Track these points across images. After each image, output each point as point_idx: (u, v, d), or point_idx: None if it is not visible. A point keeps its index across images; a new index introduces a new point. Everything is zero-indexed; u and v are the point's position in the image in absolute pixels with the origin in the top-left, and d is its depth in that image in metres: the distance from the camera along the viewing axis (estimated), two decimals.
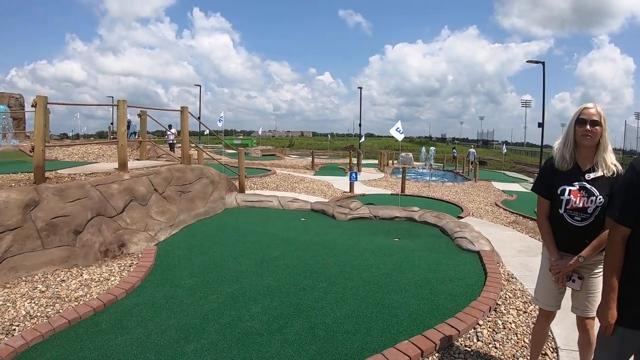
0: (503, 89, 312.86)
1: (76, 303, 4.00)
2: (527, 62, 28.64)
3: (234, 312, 3.89)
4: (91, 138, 43.55)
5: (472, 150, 31.84)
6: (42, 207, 4.94)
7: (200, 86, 50.03)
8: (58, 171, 6.66)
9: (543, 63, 25.73)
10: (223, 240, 6.24)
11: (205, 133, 39.36)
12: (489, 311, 3.94)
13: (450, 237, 6.42)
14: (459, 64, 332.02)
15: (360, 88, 43.55)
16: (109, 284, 4.51)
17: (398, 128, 10.87)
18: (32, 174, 5.85)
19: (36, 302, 3.98)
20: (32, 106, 5.81)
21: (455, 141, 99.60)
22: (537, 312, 2.88)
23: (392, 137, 11.00)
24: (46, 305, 3.92)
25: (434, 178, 21.08)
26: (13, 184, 5.45)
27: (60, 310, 3.83)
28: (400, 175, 15.79)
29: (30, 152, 6.04)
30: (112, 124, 39.87)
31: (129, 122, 19.01)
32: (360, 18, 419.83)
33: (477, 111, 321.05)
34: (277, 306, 4.02)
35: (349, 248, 5.88)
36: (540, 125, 26.23)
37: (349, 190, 13.92)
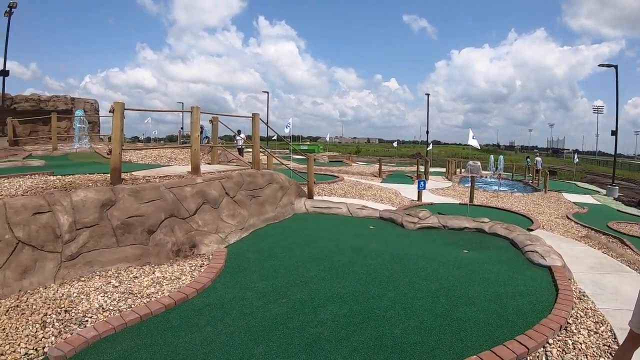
0: (573, 95, 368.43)
1: (148, 299, 5.66)
2: (599, 66, 30.79)
3: (302, 317, 5.19)
4: (161, 141, 53.31)
5: (538, 158, 40.10)
6: (118, 207, 7.01)
7: (268, 93, 61.25)
8: (133, 173, 8.99)
9: (616, 67, 30.81)
10: (292, 246, 8.03)
11: (273, 138, 48.23)
12: (559, 330, 4.87)
13: (521, 251, 8.07)
14: (527, 68, 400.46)
15: (428, 95, 54.60)
16: (180, 283, 6.20)
17: (473, 136, 14.08)
18: (108, 175, 8.15)
19: (109, 296, 5.75)
20: (109, 112, 8.08)
21: (536, 150, 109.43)
22: (610, 333, 3.71)
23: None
24: (119, 300, 5.65)
25: (502, 188, 26.94)
26: (90, 184, 7.64)
27: (132, 306, 5.49)
28: (468, 185, 20.30)
29: (108, 154, 8.41)
30: (182, 128, 54.31)
31: (201, 127, 25.89)
32: (425, 23, 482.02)
33: (546, 118, 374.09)
34: (346, 313, 5.27)
35: (418, 258, 7.45)
36: (614, 133, 32.04)
37: (417, 199, 17.66)
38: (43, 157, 14.79)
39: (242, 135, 26.02)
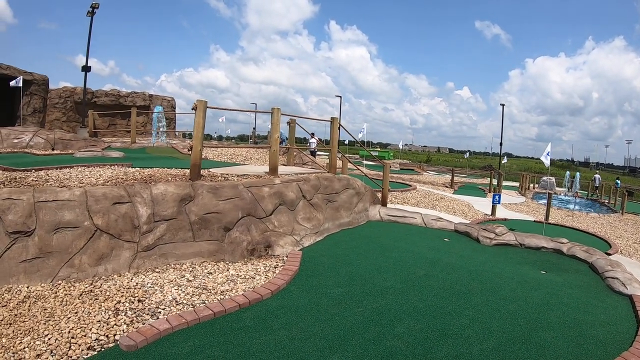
0: None
1: (221, 296, 5.80)
2: None
3: (378, 328, 5.17)
4: (232, 140, 55.19)
5: (597, 175, 41.60)
6: (197, 202, 7.28)
7: (340, 97, 60.91)
8: (211, 170, 9.28)
9: None
10: (367, 253, 8.08)
11: (345, 143, 49.45)
12: None
13: (600, 276, 7.96)
14: (604, 79, 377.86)
15: (503, 105, 52.98)
16: (255, 283, 6.31)
17: (548, 152, 13.66)
18: (187, 170, 8.47)
19: (183, 289, 5.93)
20: (192, 109, 8.38)
21: (597, 168, 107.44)
22: None
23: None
24: (192, 294, 5.81)
25: (577, 207, 26.75)
26: (170, 178, 7.96)
27: (206, 301, 5.63)
28: (542, 201, 21.33)
29: (188, 150, 8.68)
30: (254, 128, 57.27)
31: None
32: (499, 29, 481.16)
33: (623, 134, 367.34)
34: (423, 328, 5.21)
35: (495, 276, 7.44)
36: None
37: (490, 213, 17.88)
38: (121, 149, 15.64)
39: (316, 138, 26.36)
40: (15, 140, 15.70)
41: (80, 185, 7.41)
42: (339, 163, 15.88)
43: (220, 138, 60.03)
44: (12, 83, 21.09)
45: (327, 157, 31.00)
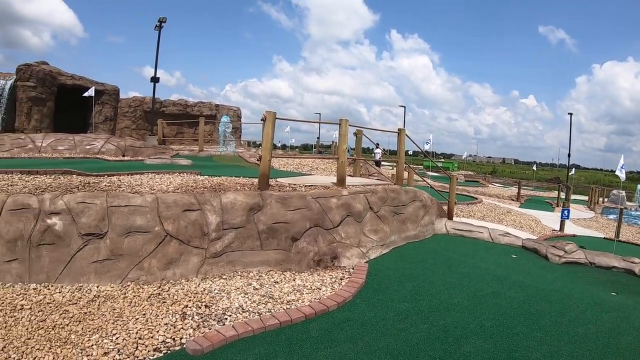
0: None
1: (287, 306, 5.88)
2: None
3: (444, 346, 5.11)
4: (296, 149, 55.61)
5: None
6: (265, 212, 7.45)
7: (404, 107, 60.90)
8: (278, 180, 9.45)
9: None
10: (434, 268, 8.03)
11: (409, 153, 48.98)
12: None
13: None
14: None
15: (570, 114, 52.03)
16: (320, 294, 6.37)
17: (622, 165, 13.50)
18: (255, 179, 8.69)
19: (249, 297, 6.06)
20: (261, 120, 8.62)
21: None
22: None
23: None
24: (259, 303, 5.93)
25: None
26: (239, 187, 8.16)
27: (272, 310, 5.73)
28: (612, 217, 21.26)
29: (257, 160, 8.87)
30: (318, 138, 57.89)
31: None
32: (563, 34, 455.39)
33: None
34: (489, 348, 5.11)
35: (564, 296, 7.23)
36: None
37: (558, 229, 17.70)
38: (189, 157, 16.15)
39: (381, 149, 26.46)
40: (88, 147, 16.48)
41: (152, 191, 7.76)
42: (404, 174, 15.94)
43: (284, 147, 61.00)
44: (86, 93, 22.09)
45: (391, 167, 31.19)
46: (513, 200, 28.80)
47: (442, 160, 79.72)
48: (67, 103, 24.83)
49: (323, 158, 18.89)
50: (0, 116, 23.69)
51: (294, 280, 6.88)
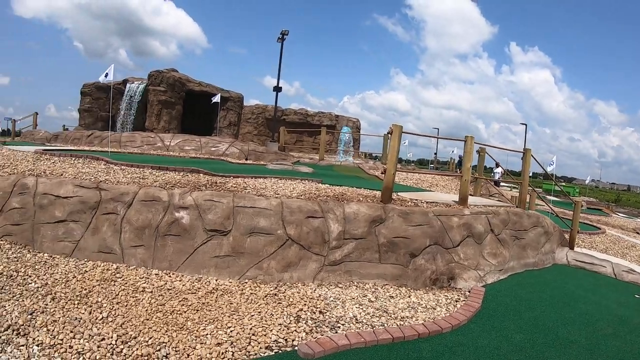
0: None
1: (401, 322, 5.93)
2: None
3: None
4: (412, 164, 55.02)
5: None
6: (387, 225, 7.55)
7: (525, 125, 57.92)
8: (400, 194, 9.47)
9: None
10: (551, 300, 7.67)
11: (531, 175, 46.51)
12: None
13: None
14: None
15: None
16: (435, 314, 6.34)
17: None
18: (376, 191, 8.82)
19: (364, 309, 6.16)
20: (388, 133, 8.71)
21: None
22: None
23: None
24: (372, 315, 6.02)
25: None
26: (361, 198, 8.32)
27: (385, 324, 5.80)
28: None
29: (382, 173, 8.95)
30: (435, 154, 57.75)
31: (460, 157, 28.04)
32: None
33: None
34: None
35: None
36: None
37: None
38: (310, 164, 16.59)
39: (502, 168, 25.79)
40: (213, 148, 17.49)
41: (276, 196, 8.09)
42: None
43: (400, 161, 60.92)
44: (213, 99, 23.22)
45: (509, 188, 30.18)
46: (638, 233, 26.50)
47: (563, 184, 75.84)
48: (193, 107, 26.25)
49: (444, 174, 18.71)
50: (132, 116, 25.55)
51: (409, 296, 6.90)
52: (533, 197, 15.67)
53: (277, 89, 27.53)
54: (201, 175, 9.84)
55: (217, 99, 23.24)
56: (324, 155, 20.41)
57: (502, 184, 29.37)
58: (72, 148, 16.35)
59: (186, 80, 25.72)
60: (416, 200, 9.18)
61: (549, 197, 29.88)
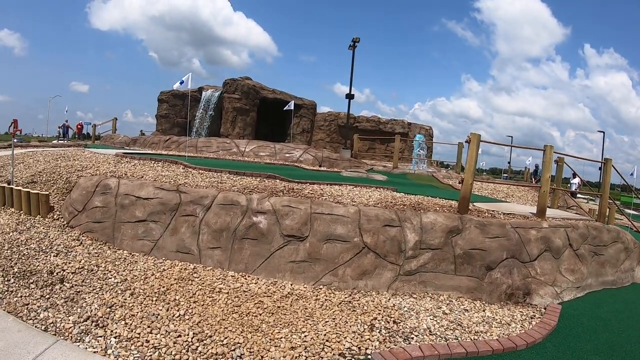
0: None
1: (475, 337, 5.84)
2: None
3: None
4: (484, 174, 53.92)
5: None
6: (463, 236, 7.45)
7: (603, 132, 56.03)
8: (475, 204, 9.31)
9: None
10: (631, 322, 7.25)
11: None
12: None
13: None
14: None
15: None
16: (510, 330, 6.21)
17: None
18: (452, 201, 8.73)
19: (437, 321, 6.11)
20: (466, 142, 8.60)
21: None
22: None
23: None
24: (446, 328, 5.95)
25: None
26: (437, 208, 8.25)
27: (459, 338, 5.73)
28: None
29: (459, 182, 8.84)
30: (509, 162, 56.20)
31: (536, 167, 27.77)
32: None
33: None
34: None
35: None
36: None
37: None
38: (383, 172, 16.52)
39: (579, 179, 24.97)
40: (287, 155, 17.77)
41: (353, 203, 8.15)
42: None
43: None
44: (287, 106, 23.56)
45: (586, 201, 29.13)
46: None
47: None
48: (266, 114, 26.70)
49: (520, 185, 18.24)
50: (207, 122, 26.28)
51: (484, 311, 6.77)
52: (612, 210, 15.10)
53: (350, 96, 27.67)
54: (278, 181, 10.05)
55: (291, 106, 23.62)
56: (398, 163, 20.30)
57: (578, 195, 28.42)
58: (151, 152, 17.03)
59: (260, 87, 26.22)
60: (493, 211, 8.99)
61: (628, 210, 28.86)
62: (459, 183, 8.67)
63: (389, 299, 6.58)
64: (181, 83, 14.20)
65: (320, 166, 16.85)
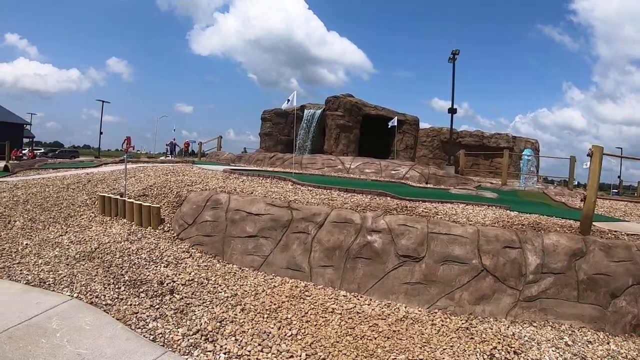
0: None
1: None
2: None
3: None
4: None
5: None
6: (587, 260, 6.85)
7: None
8: (595, 224, 8.61)
9: None
10: None
11: None
12: None
13: None
14: None
15: None
16: None
17: None
18: (570, 221, 8.20)
19: (560, 353, 5.62)
20: (587, 155, 8.03)
21: None
22: None
23: None
24: None
25: None
26: (558, 228, 7.71)
27: None
28: None
29: (581, 201, 8.28)
30: (619, 176, 54.48)
31: None
32: None
33: None
34: None
35: None
36: None
37: None
38: (492, 189, 15.70)
39: None
40: (393, 172, 17.58)
41: (469, 222, 7.79)
42: None
43: (578, 185, 57.45)
44: (390, 123, 23.39)
45: None
46: None
47: None
48: (368, 130, 26.56)
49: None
50: (310, 139, 26.57)
51: (608, 344, 6.16)
52: None
53: (452, 110, 27.21)
54: (389, 198, 9.85)
55: (394, 122, 23.39)
56: (506, 179, 19.47)
57: None
58: (257, 168, 17.33)
59: (362, 104, 26.15)
60: (615, 231, 8.21)
61: None
62: (581, 201, 8.09)
63: (508, 327, 6.17)
64: (287, 102, 14.49)
65: (426, 183, 16.44)
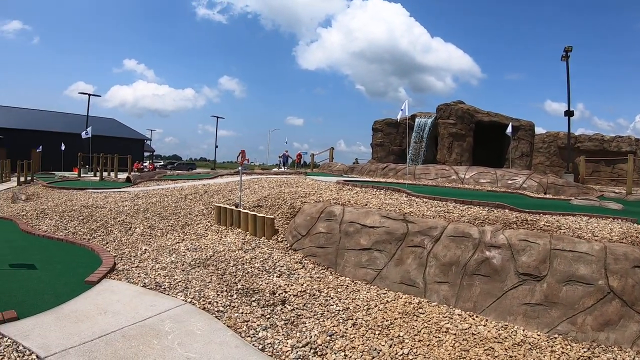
0: None
1: None
2: None
3: None
4: None
5: None
6: None
7: None
8: None
9: None
10: None
11: None
12: None
13: None
14: None
15: None
16: None
17: None
18: None
19: None
20: None
21: None
22: None
23: None
24: None
25: None
26: None
27: None
28: None
29: None
30: None
31: None
32: None
33: None
34: None
35: None
36: None
37: None
38: (616, 200, 14.39)
39: None
40: (509, 181, 16.83)
41: (595, 238, 7.14)
42: None
43: None
44: (507, 130, 22.60)
45: None
46: None
47: None
48: (481, 138, 25.77)
49: None
50: (422, 149, 26.22)
51: None
52: None
53: (569, 113, 25.82)
54: (507, 210, 9.36)
55: (509, 129, 22.58)
56: (632, 188, 18.07)
57: None
58: (370, 180, 17.27)
59: (474, 111, 25.44)
60: None
61: None
62: None
63: (634, 358, 5.45)
64: (401, 112, 14.46)
65: (545, 193, 15.46)
